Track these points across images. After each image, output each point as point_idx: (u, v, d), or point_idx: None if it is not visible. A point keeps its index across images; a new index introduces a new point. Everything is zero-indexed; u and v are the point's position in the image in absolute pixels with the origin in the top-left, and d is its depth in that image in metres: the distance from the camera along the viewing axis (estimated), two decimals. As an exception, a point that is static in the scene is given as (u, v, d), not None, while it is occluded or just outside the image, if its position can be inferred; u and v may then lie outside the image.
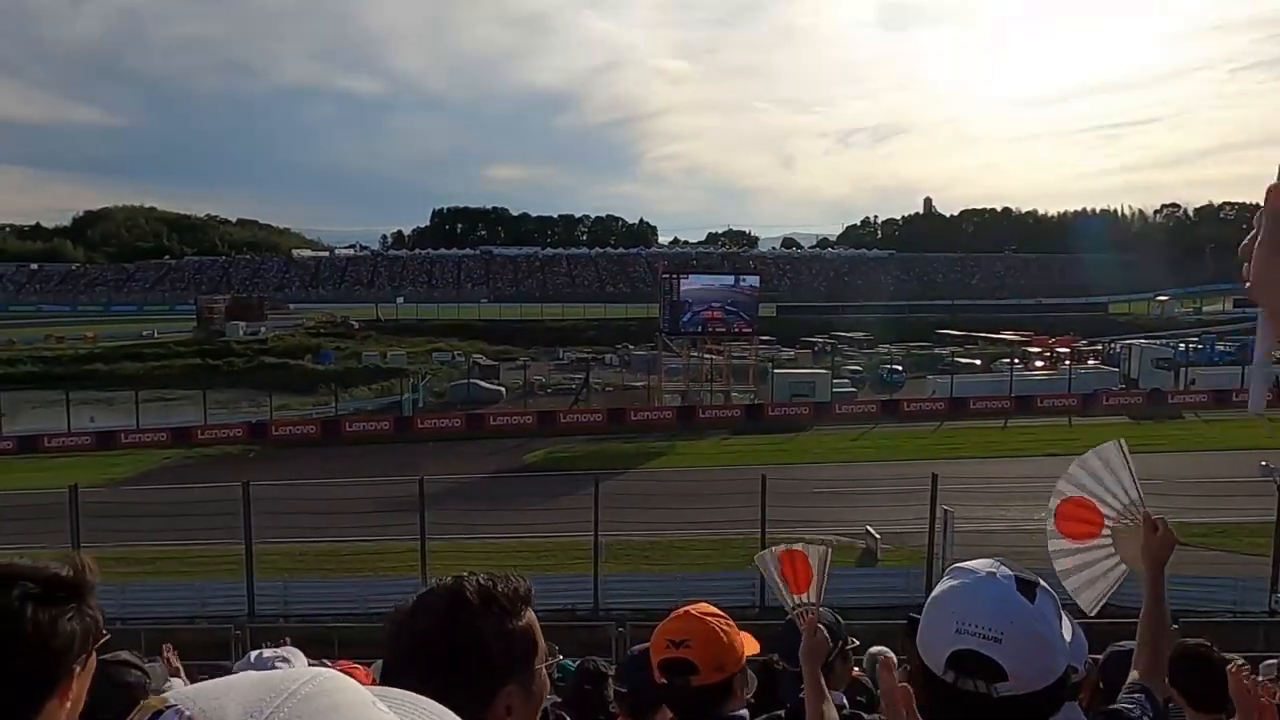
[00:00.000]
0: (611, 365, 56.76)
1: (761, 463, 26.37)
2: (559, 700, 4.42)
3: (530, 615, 1.44)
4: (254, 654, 2.52)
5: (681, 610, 2.16)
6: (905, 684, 1.38)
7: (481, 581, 1.38)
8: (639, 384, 47.02)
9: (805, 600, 2.41)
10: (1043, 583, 1.41)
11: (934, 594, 1.43)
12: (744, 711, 2.14)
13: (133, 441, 36.06)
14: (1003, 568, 1.40)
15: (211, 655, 11.68)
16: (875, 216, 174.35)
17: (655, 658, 2.09)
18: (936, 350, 60.36)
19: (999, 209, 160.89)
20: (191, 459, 33.73)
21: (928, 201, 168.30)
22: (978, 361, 53.31)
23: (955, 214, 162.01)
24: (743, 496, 18.09)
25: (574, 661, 5.50)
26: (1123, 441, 2.34)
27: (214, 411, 39.52)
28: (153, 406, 42.29)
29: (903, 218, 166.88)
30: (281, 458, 33.23)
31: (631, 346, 61.34)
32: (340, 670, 2.30)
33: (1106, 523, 2.27)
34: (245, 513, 16.79)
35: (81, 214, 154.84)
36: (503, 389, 46.70)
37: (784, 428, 36.86)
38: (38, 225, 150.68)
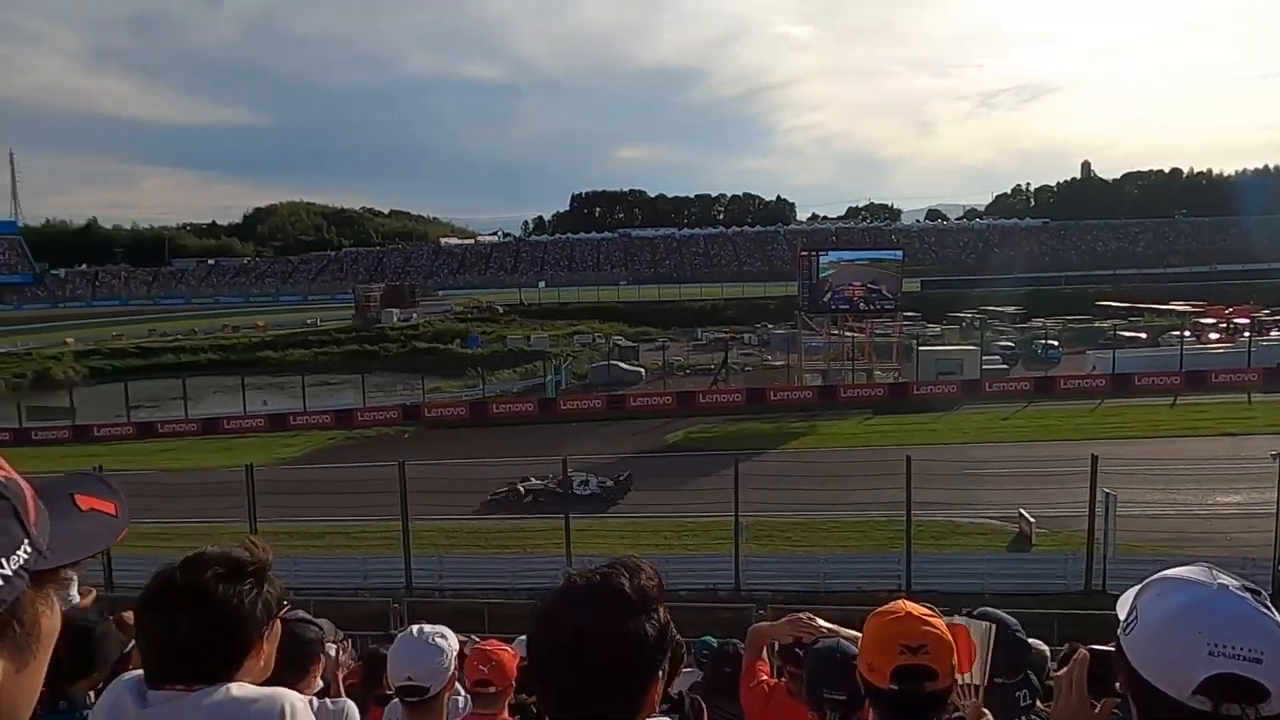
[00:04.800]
0: (750, 345, 56.37)
1: (906, 443, 25.61)
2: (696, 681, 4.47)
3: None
4: (415, 628, 2.69)
5: (900, 612, 2.01)
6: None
7: (630, 576, 1.38)
8: (778, 363, 46.52)
9: (967, 681, 2.15)
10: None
11: (1160, 610, 1.29)
12: None
13: (300, 423, 38.53)
14: (1224, 576, 1.30)
15: (373, 626, 12.41)
16: (1027, 184, 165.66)
17: (886, 662, 1.93)
18: (1097, 323, 56.84)
19: (1167, 170, 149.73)
20: (353, 439, 35.74)
21: (1085, 165, 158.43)
22: (1143, 335, 49.87)
23: (1117, 177, 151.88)
24: (887, 478, 17.65)
25: (714, 639, 5.54)
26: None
27: (371, 395, 41.71)
28: (317, 390, 45.07)
29: (1058, 184, 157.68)
30: (433, 438, 34.74)
31: (770, 325, 60.73)
32: (489, 650, 2.41)
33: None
34: (402, 491, 17.67)
35: (250, 211, 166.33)
36: (642, 370, 47.16)
37: (930, 407, 35.65)
38: (213, 223, 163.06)
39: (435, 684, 2.57)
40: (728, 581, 17.12)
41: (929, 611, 2.02)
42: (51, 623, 0.84)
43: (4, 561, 0.74)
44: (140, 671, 1.61)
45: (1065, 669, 1.61)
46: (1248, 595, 1.26)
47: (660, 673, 1.36)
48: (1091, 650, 1.54)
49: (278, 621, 1.73)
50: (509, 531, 20.49)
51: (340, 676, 4.68)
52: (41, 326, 77.97)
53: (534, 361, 51.16)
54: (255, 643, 1.64)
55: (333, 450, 33.71)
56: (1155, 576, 1.34)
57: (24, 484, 0.82)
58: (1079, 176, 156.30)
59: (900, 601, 2.07)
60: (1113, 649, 1.35)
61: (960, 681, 2.16)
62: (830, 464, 22.61)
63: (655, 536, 20.09)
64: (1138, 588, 1.35)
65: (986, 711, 2.21)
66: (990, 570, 16.72)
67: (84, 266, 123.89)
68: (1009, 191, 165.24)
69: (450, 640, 2.66)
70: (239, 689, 1.54)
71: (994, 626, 2.22)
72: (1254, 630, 1.22)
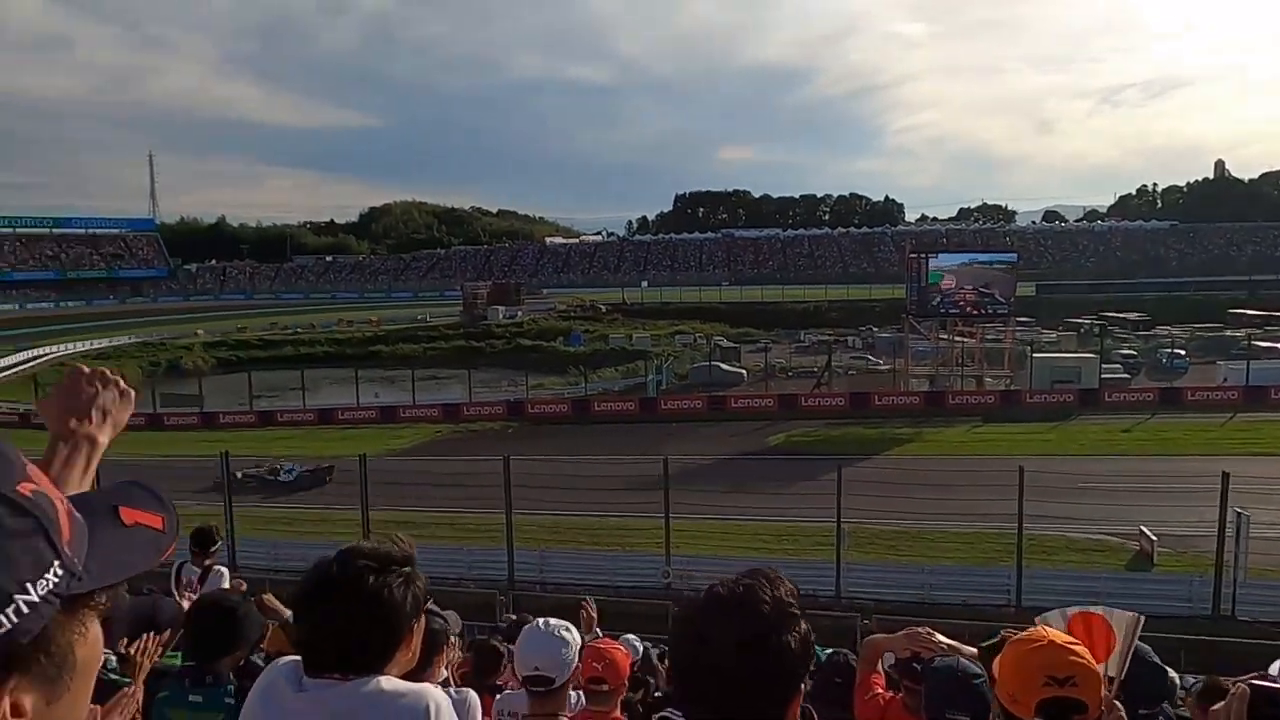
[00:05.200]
0: (854, 348, 55.40)
1: (1017, 453, 24.68)
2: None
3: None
4: (540, 621, 2.76)
5: (1044, 640, 1.92)
6: None
7: (772, 588, 1.39)
8: (883, 368, 45.55)
9: (1104, 673, 2.06)
10: None
11: None
12: None
13: (410, 416, 39.81)
14: None
15: (478, 617, 12.71)
16: (1154, 184, 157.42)
17: (1031, 695, 1.85)
18: (1229, 332, 53.63)
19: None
20: (459, 433, 36.70)
21: (1219, 164, 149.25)
22: (1280, 345, 46.83)
23: (1254, 177, 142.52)
24: (997, 489, 17.04)
25: (822, 648, 5.47)
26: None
27: (477, 390, 42.74)
28: (426, 384, 46.44)
29: (1188, 184, 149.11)
30: (536, 434, 35.35)
31: (875, 329, 59.57)
32: (603, 649, 2.45)
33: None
34: (506, 485, 18.02)
35: (365, 210, 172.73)
36: (744, 371, 46.88)
37: (1043, 416, 34.28)
38: (331, 222, 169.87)
39: (560, 675, 2.64)
40: (828, 589, 16.85)
41: (1073, 640, 1.95)
42: (89, 652, 0.75)
43: (30, 587, 0.66)
44: (295, 658, 1.70)
45: (1223, 705, 1.52)
46: None
47: (802, 684, 1.36)
48: (1253, 686, 1.45)
49: (424, 618, 1.79)
50: (610, 528, 20.69)
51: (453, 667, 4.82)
52: (174, 318, 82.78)
53: (635, 361, 51.49)
54: (406, 635, 1.70)
55: (440, 443, 34.69)
56: None
57: (57, 498, 0.74)
58: (1211, 176, 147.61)
59: (1040, 628, 2.00)
60: None
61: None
62: (936, 472, 22.01)
63: (755, 539, 19.95)
64: None
65: (1119, 705, 2.08)
66: (1108, 589, 15.93)
67: (213, 262, 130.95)
68: (1133, 192, 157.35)
69: (574, 634, 2.72)
70: (389, 682, 1.60)
71: (1140, 618, 2.12)
72: None
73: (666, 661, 6.54)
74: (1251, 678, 1.48)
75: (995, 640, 2.69)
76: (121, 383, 1.38)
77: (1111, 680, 2.06)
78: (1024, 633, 1.98)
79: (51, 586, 0.68)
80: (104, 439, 1.30)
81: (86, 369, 1.37)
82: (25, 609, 0.66)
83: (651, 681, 5.86)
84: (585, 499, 20.80)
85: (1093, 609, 2.10)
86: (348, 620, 1.62)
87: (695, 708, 1.35)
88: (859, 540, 18.40)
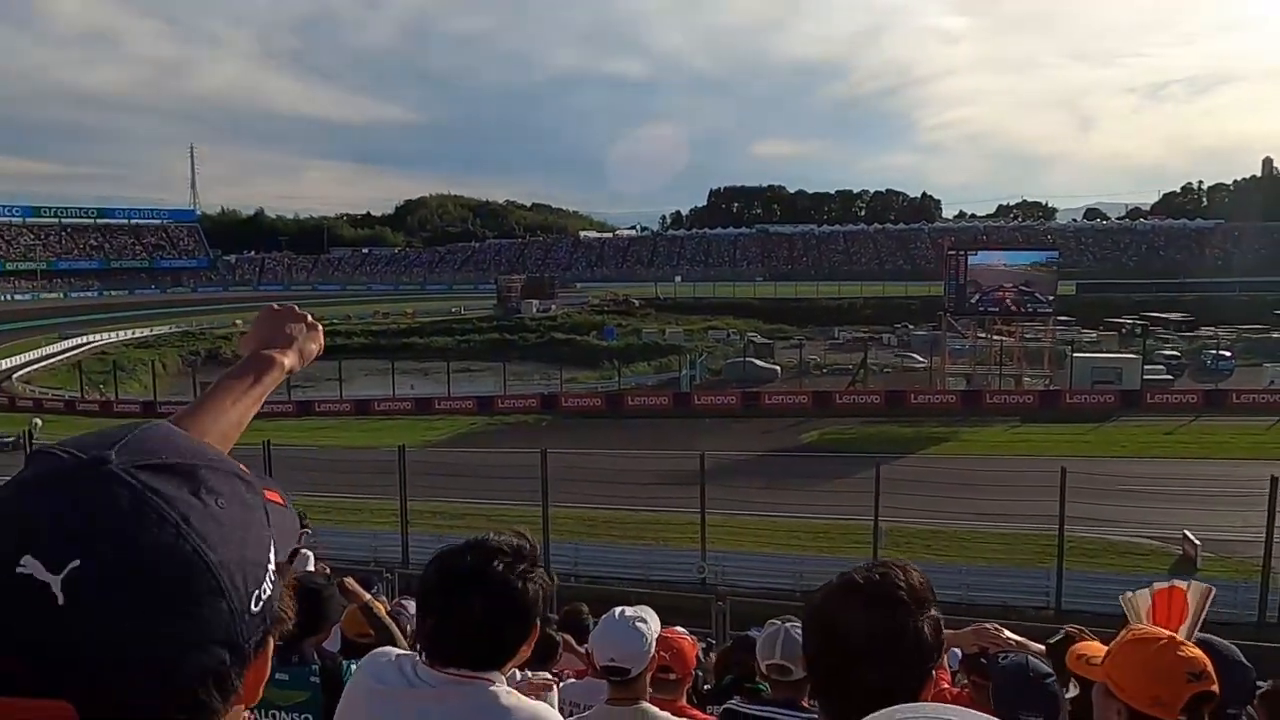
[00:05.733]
0: (889, 346, 54.93)
1: (1057, 454, 24.37)
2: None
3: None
4: (616, 611, 2.77)
5: (1164, 637, 1.92)
6: None
7: (905, 575, 1.43)
8: (919, 366, 45.15)
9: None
10: None
11: None
12: None
13: (444, 408, 40.12)
14: None
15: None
16: (1200, 182, 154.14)
17: (1176, 695, 1.83)
18: (1275, 334, 52.52)
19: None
20: (493, 425, 36.93)
21: (1267, 162, 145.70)
22: (1332, 347, 45.79)
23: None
24: (1036, 490, 16.86)
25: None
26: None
27: (511, 383, 42.99)
28: (460, 377, 46.76)
29: (1234, 182, 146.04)
30: (569, 428, 35.46)
31: (911, 326, 59.05)
32: (670, 638, 2.45)
33: None
34: (543, 478, 18.12)
35: (401, 203, 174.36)
36: (778, 368, 46.70)
37: (1084, 417, 33.80)
38: (367, 214, 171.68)
39: (637, 665, 2.64)
40: (864, 587, 16.74)
41: (1177, 634, 1.94)
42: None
43: (270, 558, 0.74)
44: (397, 650, 1.73)
45: None
46: None
47: (934, 670, 1.36)
48: None
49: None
50: (644, 523, 20.72)
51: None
52: (214, 308, 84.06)
53: (668, 355, 51.48)
54: (533, 630, 1.71)
55: (475, 435, 34.93)
56: None
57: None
58: (1259, 174, 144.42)
59: (1147, 625, 1.98)
60: None
61: None
62: (974, 472, 21.73)
63: (789, 536, 19.88)
64: None
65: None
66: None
67: (252, 253, 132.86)
68: (1178, 190, 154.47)
69: (652, 624, 2.72)
70: (508, 697, 1.61)
71: (1212, 589, 2.16)
72: None
73: (712, 655, 6.53)
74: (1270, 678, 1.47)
75: (1061, 637, 2.67)
76: (310, 317, 1.55)
77: None
78: (1135, 632, 1.95)
79: (275, 559, 0.75)
80: (289, 362, 1.47)
81: (277, 305, 1.56)
82: (273, 578, 0.73)
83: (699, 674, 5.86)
84: (619, 493, 20.83)
85: (1177, 583, 2.14)
86: (483, 613, 1.62)
87: (830, 698, 1.36)
88: (896, 539, 18.27)
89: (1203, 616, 2.13)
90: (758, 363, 47.20)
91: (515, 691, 1.64)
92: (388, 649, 1.79)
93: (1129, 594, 2.29)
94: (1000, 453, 28.11)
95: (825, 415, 36.02)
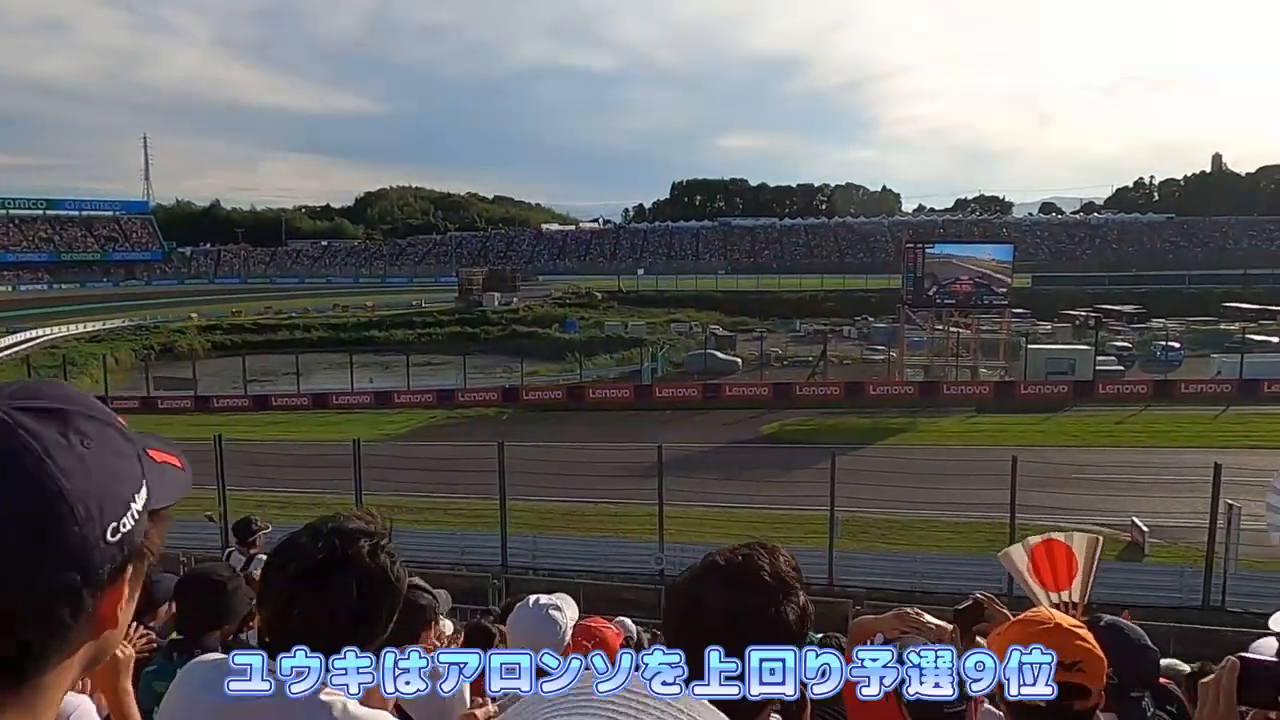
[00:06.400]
0: (850, 338, 55.44)
1: (1012, 443, 24.77)
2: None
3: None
4: (530, 599, 2.74)
5: (1050, 622, 1.88)
6: None
7: (770, 558, 1.38)
8: (878, 357, 45.60)
9: (1065, 599, 2.10)
10: None
11: None
12: None
13: (404, 401, 39.76)
14: None
15: (471, 601, 12.74)
16: (1151, 177, 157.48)
17: None
18: (1223, 325, 53.80)
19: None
20: (453, 419, 36.67)
21: (1217, 158, 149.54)
22: (1275, 339, 46.93)
23: (1251, 171, 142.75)
24: (990, 479, 17.10)
25: (815, 632, 5.47)
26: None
27: (472, 376, 42.67)
28: (422, 370, 46.36)
29: (1185, 177, 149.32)
30: (531, 420, 35.35)
31: (871, 319, 59.62)
32: (592, 628, 2.43)
33: None
34: (500, 471, 18.04)
35: (362, 195, 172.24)
36: (739, 360, 46.91)
37: (1038, 407, 34.38)
38: (327, 206, 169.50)
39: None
40: (821, 576, 16.88)
41: (1077, 623, 1.93)
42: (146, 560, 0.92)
43: (135, 498, 0.83)
44: (217, 655, 1.63)
45: (1212, 677, 1.52)
46: None
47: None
48: (1243, 659, 1.45)
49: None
50: (603, 515, 20.72)
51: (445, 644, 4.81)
52: (169, 302, 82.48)
53: (631, 348, 51.43)
54: (396, 610, 1.67)
55: (435, 428, 34.66)
56: None
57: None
58: (1208, 170, 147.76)
59: (1044, 609, 1.98)
60: (1275, 660, 1.27)
61: (1054, 600, 2.05)
62: (930, 462, 22.06)
63: (748, 527, 19.92)
64: None
65: (1084, 622, 2.06)
66: (1100, 579, 15.87)
67: (207, 245, 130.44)
68: (1130, 185, 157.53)
69: (567, 611, 2.69)
70: (355, 707, 1.53)
71: (1100, 539, 2.15)
72: None
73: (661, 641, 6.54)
74: (1212, 660, 1.49)
75: (969, 605, 2.67)
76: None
77: (1075, 605, 2.06)
78: (1028, 614, 1.95)
79: (143, 500, 0.84)
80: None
81: None
82: (136, 515, 0.82)
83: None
84: (579, 485, 20.81)
85: (1055, 535, 2.11)
86: (357, 596, 1.58)
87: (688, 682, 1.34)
88: (851, 529, 18.46)
89: (1095, 568, 2.11)
90: (719, 355, 47.38)
91: (359, 705, 1.54)
92: (213, 654, 1.71)
93: (1006, 550, 2.28)
94: (956, 443, 28.55)
95: (785, 407, 36.24)
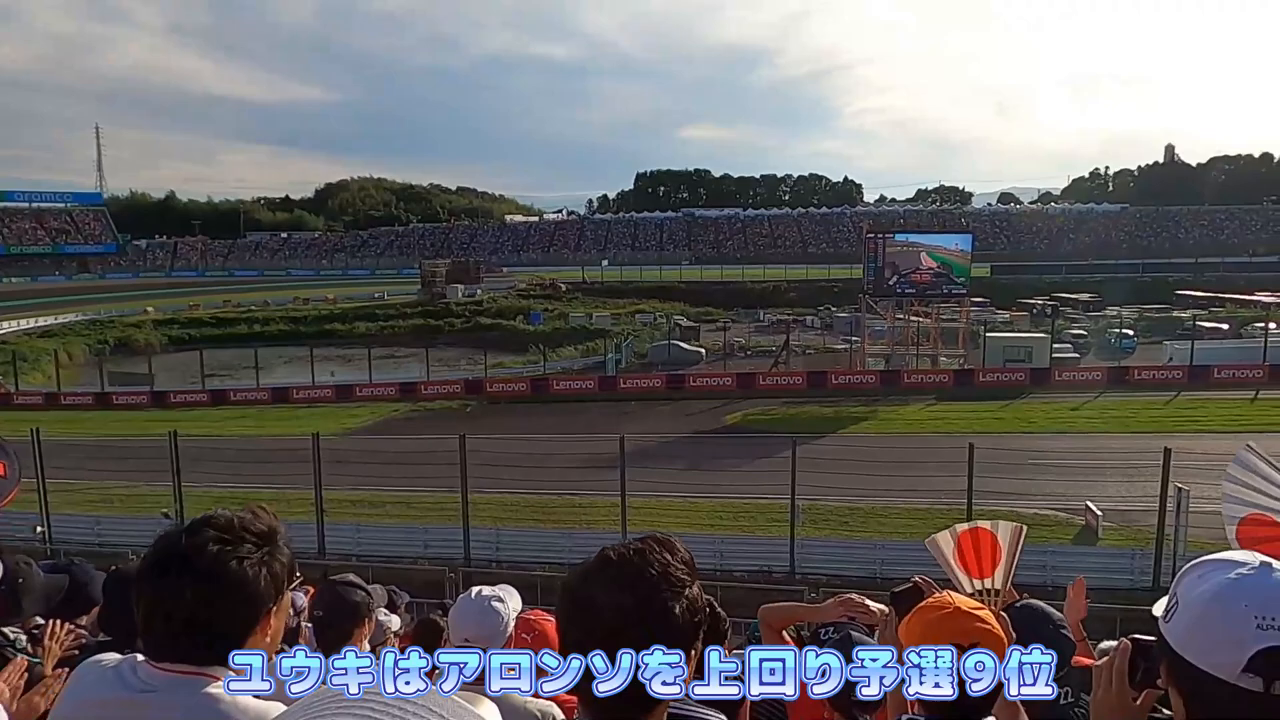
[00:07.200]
0: (813, 328, 55.81)
1: (970, 431, 25.16)
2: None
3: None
4: (473, 590, 2.71)
5: (949, 606, 1.89)
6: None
7: (664, 553, 1.37)
8: (841, 347, 45.97)
9: (988, 586, 2.12)
10: None
11: (1201, 590, 1.23)
12: None
13: (366, 395, 39.38)
14: (1261, 555, 1.24)
15: (432, 594, 12.67)
16: (1106, 168, 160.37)
17: None
18: (1175, 313, 55.00)
19: (1257, 155, 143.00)
20: (417, 412, 36.38)
21: (1169, 149, 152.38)
22: (1225, 326, 48.04)
23: (1203, 162, 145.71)
24: (949, 465, 17.32)
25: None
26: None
27: (435, 368, 42.38)
28: (383, 363, 45.98)
29: (1139, 168, 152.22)
30: (495, 413, 35.18)
31: (834, 309, 60.10)
32: (532, 619, 2.41)
33: None
34: (462, 464, 17.93)
35: (322, 186, 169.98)
36: (703, 350, 47.07)
37: (996, 395, 34.89)
38: (286, 197, 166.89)
39: (493, 645, 2.60)
40: (783, 564, 17.04)
41: (979, 605, 1.96)
42: None
43: None
44: (117, 657, 1.58)
45: (1105, 659, 1.55)
46: None
47: (692, 650, 1.34)
48: (1133, 640, 1.49)
49: (288, 596, 1.65)
50: (566, 506, 20.70)
51: (397, 642, 4.79)
52: (124, 295, 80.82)
53: (595, 339, 51.37)
54: (263, 618, 1.55)
55: (398, 421, 34.36)
56: (1193, 562, 1.29)
57: None
58: (1161, 160, 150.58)
59: (947, 594, 2.01)
60: (1155, 639, 1.30)
61: (976, 587, 2.06)
62: (891, 450, 22.32)
63: (711, 516, 20.09)
64: (1176, 577, 1.30)
65: (1006, 617, 2.06)
66: (1054, 562, 16.31)
67: (164, 238, 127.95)
68: (1086, 175, 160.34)
69: (510, 602, 2.66)
70: (229, 698, 1.45)
71: (1023, 528, 2.17)
72: None
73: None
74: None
75: (908, 587, 2.70)
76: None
77: (996, 593, 2.08)
78: (929, 600, 1.98)
79: None
80: None
81: None
82: None
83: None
84: (542, 477, 20.78)
85: (980, 524, 2.14)
86: (192, 598, 1.47)
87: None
88: (813, 517, 18.63)
89: (1017, 556, 2.14)
90: (683, 345, 47.49)
91: (239, 695, 1.45)
92: (108, 654, 1.63)
93: (933, 536, 2.32)
94: (916, 431, 28.91)
95: (749, 397, 36.44)
